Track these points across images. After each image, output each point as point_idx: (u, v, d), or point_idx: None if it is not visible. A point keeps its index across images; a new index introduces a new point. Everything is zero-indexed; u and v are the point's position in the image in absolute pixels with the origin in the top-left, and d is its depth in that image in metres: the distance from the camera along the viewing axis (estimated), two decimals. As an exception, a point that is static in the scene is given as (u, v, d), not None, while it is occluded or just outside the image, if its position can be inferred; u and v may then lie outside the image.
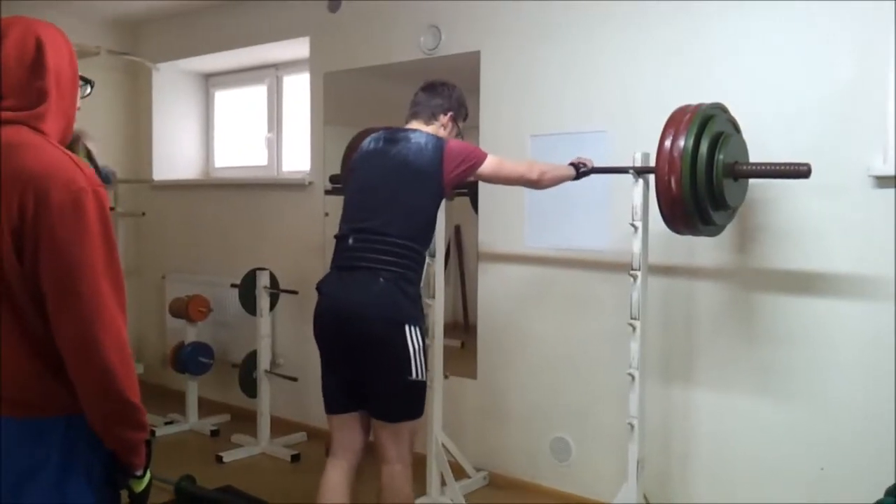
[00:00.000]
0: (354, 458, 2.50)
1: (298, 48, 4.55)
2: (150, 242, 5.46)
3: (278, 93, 5.11)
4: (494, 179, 2.65)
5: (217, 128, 5.60)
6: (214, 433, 4.43)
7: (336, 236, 2.49)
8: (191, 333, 4.47)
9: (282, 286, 4.28)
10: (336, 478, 2.49)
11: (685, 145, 2.47)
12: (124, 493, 1.56)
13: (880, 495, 2.54)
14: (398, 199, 2.41)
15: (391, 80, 4.11)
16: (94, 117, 5.22)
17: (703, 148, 2.48)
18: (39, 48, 1.43)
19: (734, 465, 3.02)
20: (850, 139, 2.71)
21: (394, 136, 2.52)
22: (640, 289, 2.73)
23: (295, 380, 4.19)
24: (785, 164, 2.51)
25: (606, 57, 3.28)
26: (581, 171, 2.82)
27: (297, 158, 4.85)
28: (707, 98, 2.65)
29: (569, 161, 2.84)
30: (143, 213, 5.09)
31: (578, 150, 3.23)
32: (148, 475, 1.53)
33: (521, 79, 3.54)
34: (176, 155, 5.49)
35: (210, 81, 5.60)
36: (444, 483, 3.34)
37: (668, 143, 2.50)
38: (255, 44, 4.71)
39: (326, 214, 4.32)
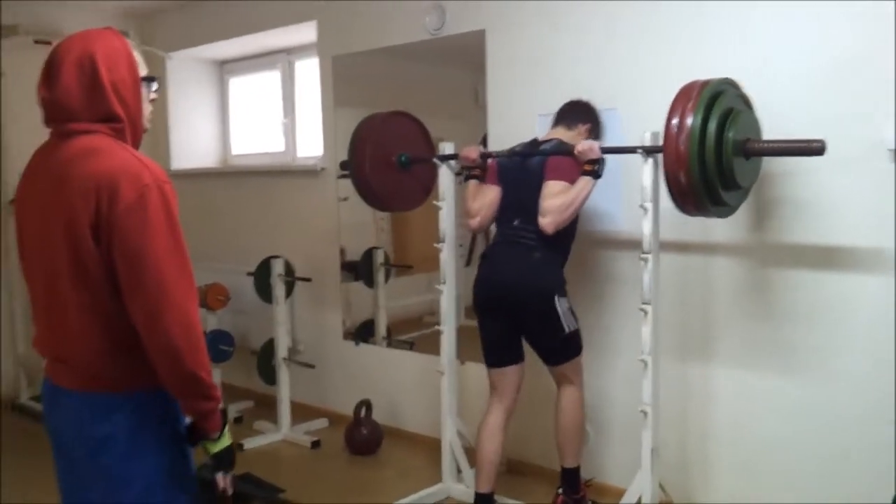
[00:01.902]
0: (511, 402, 3.03)
1: (308, 32, 4.50)
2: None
3: (291, 78, 5.07)
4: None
5: (233, 114, 5.58)
6: (238, 420, 4.46)
7: (498, 220, 3.01)
8: (211, 321, 4.47)
9: (297, 273, 4.28)
10: (495, 418, 3.01)
11: (693, 123, 2.36)
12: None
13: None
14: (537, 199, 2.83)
15: (399, 61, 4.06)
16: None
17: (712, 126, 2.37)
18: (94, 68, 1.57)
19: (755, 448, 2.94)
20: (868, 112, 2.58)
21: (534, 145, 3.00)
22: (652, 272, 2.65)
23: (312, 367, 4.19)
24: (798, 141, 2.40)
25: (616, 32, 3.17)
26: (598, 172, 2.79)
27: (314, 143, 4.81)
28: (720, 74, 2.54)
29: (578, 156, 2.81)
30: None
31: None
32: (226, 440, 1.69)
33: (528, 57, 3.45)
34: (193, 143, 5.50)
35: (224, 68, 5.58)
36: (459, 471, 3.31)
37: (675, 121, 2.41)
38: (265, 29, 4.66)
39: (345, 199, 4.27)
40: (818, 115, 2.67)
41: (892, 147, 2.54)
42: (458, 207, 3.30)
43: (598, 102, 3.18)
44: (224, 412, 1.67)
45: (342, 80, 4.32)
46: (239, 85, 5.53)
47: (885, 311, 2.60)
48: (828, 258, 2.73)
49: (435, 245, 3.29)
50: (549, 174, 2.84)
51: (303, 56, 4.93)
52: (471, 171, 3.14)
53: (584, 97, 3.11)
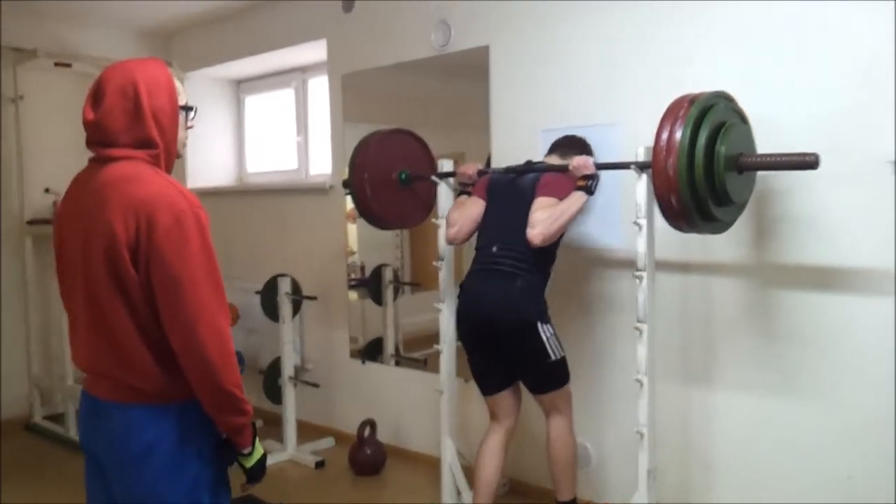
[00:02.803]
0: (511, 423, 3.00)
1: (321, 51, 4.53)
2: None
3: (304, 96, 5.11)
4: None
5: (249, 133, 5.63)
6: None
7: (477, 247, 2.96)
8: (223, 338, 4.49)
9: (305, 291, 4.27)
10: (495, 438, 2.98)
11: (682, 137, 2.30)
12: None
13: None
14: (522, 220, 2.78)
15: (406, 77, 4.05)
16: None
17: (702, 139, 2.30)
18: (137, 95, 1.66)
19: (757, 471, 2.85)
20: (869, 125, 2.51)
21: (528, 165, 2.96)
22: (647, 290, 2.59)
23: (317, 386, 4.18)
24: (792, 155, 2.33)
25: (618, 48, 3.13)
26: (591, 188, 2.76)
27: (326, 160, 4.82)
28: (720, 88, 2.48)
29: (573, 171, 2.78)
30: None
31: (591, 144, 3.12)
32: (258, 453, 1.77)
33: (531, 73, 3.42)
34: (210, 162, 5.54)
35: (241, 87, 5.63)
36: (458, 493, 3.26)
37: (664, 135, 2.35)
38: (279, 48, 4.71)
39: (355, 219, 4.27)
40: (819, 130, 2.60)
41: (893, 159, 2.45)
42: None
43: (600, 118, 3.14)
44: (254, 425, 1.75)
45: (352, 97, 4.34)
46: (255, 103, 5.58)
47: (888, 333, 2.50)
48: (829, 277, 2.65)
49: (434, 263, 3.26)
50: (541, 191, 2.80)
51: (316, 74, 4.96)
52: (465, 188, 3.11)
53: (585, 114, 3.09)
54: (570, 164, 2.78)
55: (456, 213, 3.03)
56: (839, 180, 2.55)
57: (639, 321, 2.60)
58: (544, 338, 2.78)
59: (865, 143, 2.51)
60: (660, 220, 2.54)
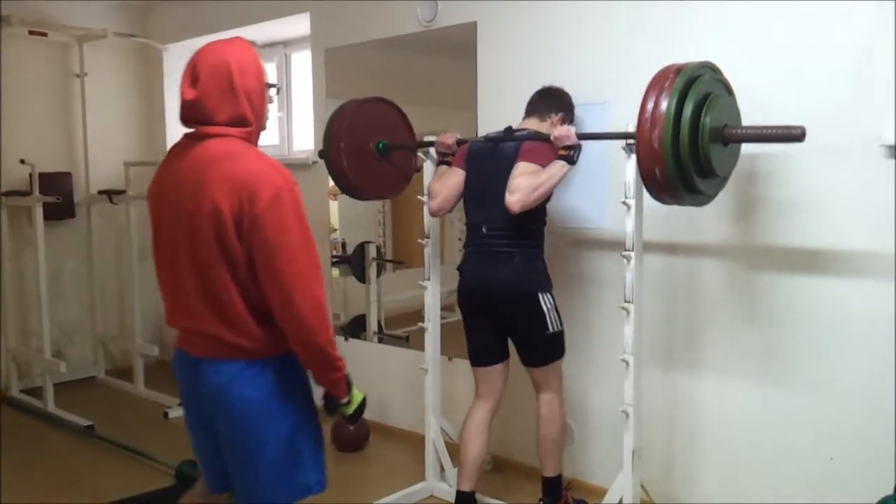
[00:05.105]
0: (495, 400, 3.01)
1: (303, 24, 4.46)
2: (166, 224, 5.47)
3: (287, 70, 5.04)
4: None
5: (230, 107, 5.54)
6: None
7: (468, 224, 2.95)
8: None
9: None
10: (480, 416, 2.98)
11: (667, 108, 2.25)
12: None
13: (891, 486, 2.41)
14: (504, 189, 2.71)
15: (392, 53, 4.00)
16: (105, 101, 5.23)
17: (688, 111, 2.25)
18: (230, 75, 1.82)
19: (740, 452, 2.89)
20: (861, 107, 2.52)
21: (509, 133, 2.89)
22: (634, 270, 2.58)
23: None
24: (777, 127, 2.27)
25: (608, 25, 3.10)
26: (574, 158, 2.68)
27: (309, 136, 4.77)
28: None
29: (555, 141, 2.71)
30: (153, 196, 5.07)
31: (581, 122, 3.11)
32: (356, 400, 2.00)
33: (519, 50, 3.39)
34: (190, 135, 5.46)
35: (221, 60, 5.53)
36: (442, 469, 3.27)
37: (650, 105, 2.29)
38: (261, 21, 4.62)
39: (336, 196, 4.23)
40: (811, 110, 2.58)
41: (886, 143, 2.46)
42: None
43: (590, 95, 3.12)
44: (348, 377, 1.95)
45: (336, 72, 4.28)
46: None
47: (878, 316, 2.54)
48: (817, 260, 2.67)
49: (419, 241, 3.25)
50: (523, 156, 2.75)
51: (299, 49, 4.89)
52: (445, 158, 3.06)
53: (575, 92, 3.06)
54: (551, 136, 2.74)
55: (438, 184, 2.98)
56: (831, 162, 2.56)
57: (626, 301, 2.60)
58: (545, 308, 2.81)
59: (858, 126, 2.52)
60: (646, 199, 2.54)
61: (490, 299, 2.86)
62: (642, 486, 2.74)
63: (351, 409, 1.98)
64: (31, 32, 4.71)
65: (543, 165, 2.70)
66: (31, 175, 4.44)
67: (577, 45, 3.21)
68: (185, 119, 1.88)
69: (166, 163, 1.93)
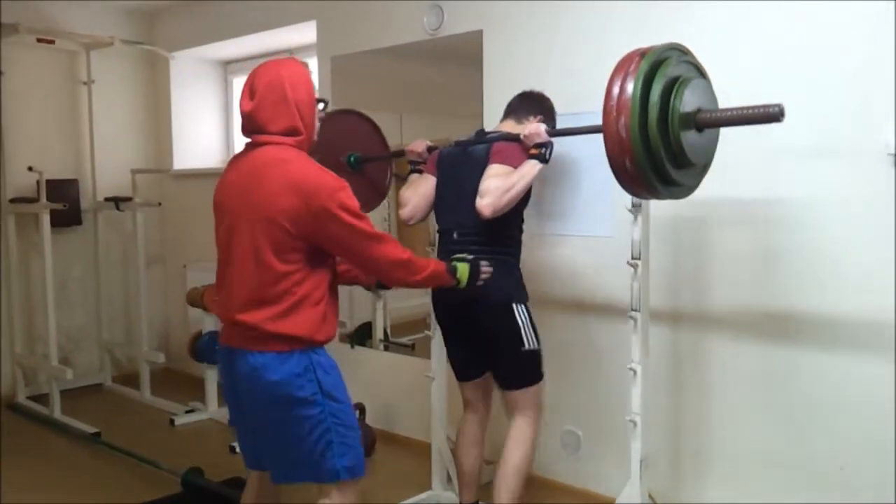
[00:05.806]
0: (484, 412, 2.97)
1: (309, 33, 4.47)
2: (172, 232, 5.49)
3: (293, 78, 5.04)
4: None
5: (236, 114, 5.55)
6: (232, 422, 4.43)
7: (439, 231, 2.88)
8: (208, 323, 4.46)
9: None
10: (470, 429, 2.95)
11: (633, 92, 2.06)
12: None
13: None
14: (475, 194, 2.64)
15: (398, 61, 4.01)
16: (112, 108, 5.25)
17: (655, 95, 2.09)
18: (283, 89, 2.04)
19: (749, 461, 2.87)
20: (869, 116, 2.51)
21: (480, 135, 2.85)
22: (641, 278, 2.58)
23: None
24: (753, 107, 2.10)
25: (611, 32, 3.10)
26: (545, 156, 2.64)
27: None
28: (714, 72, 2.44)
29: (525, 140, 2.67)
30: (160, 204, 5.09)
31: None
32: (463, 272, 2.42)
33: (526, 58, 3.39)
34: (196, 143, 5.49)
35: (228, 68, 5.57)
36: (449, 479, 3.26)
37: (615, 91, 2.13)
38: (267, 29, 4.65)
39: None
40: (818, 119, 2.59)
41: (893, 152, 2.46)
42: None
43: (596, 104, 3.10)
44: (447, 265, 2.38)
45: (341, 80, 4.29)
46: (242, 85, 5.50)
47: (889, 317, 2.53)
48: (825, 270, 2.66)
49: (427, 249, 3.24)
50: (494, 158, 2.66)
51: (305, 56, 4.87)
52: (417, 166, 3.01)
53: (579, 101, 3.05)
54: (521, 135, 2.69)
55: (408, 192, 2.91)
56: (838, 170, 2.56)
57: (633, 309, 2.59)
58: (520, 321, 2.69)
59: (865, 135, 2.51)
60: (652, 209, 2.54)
61: (462, 310, 2.75)
62: (650, 496, 2.72)
63: (464, 282, 2.40)
64: (38, 40, 4.73)
65: (516, 166, 2.63)
66: (38, 182, 4.46)
67: (582, 53, 3.21)
68: (245, 129, 2.10)
69: (229, 168, 2.16)
